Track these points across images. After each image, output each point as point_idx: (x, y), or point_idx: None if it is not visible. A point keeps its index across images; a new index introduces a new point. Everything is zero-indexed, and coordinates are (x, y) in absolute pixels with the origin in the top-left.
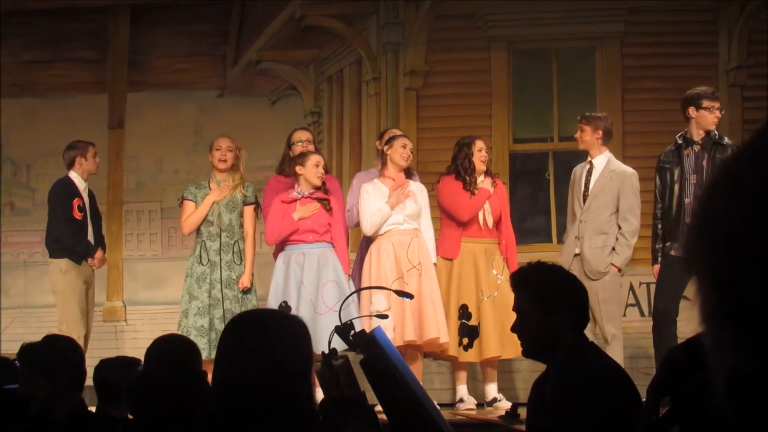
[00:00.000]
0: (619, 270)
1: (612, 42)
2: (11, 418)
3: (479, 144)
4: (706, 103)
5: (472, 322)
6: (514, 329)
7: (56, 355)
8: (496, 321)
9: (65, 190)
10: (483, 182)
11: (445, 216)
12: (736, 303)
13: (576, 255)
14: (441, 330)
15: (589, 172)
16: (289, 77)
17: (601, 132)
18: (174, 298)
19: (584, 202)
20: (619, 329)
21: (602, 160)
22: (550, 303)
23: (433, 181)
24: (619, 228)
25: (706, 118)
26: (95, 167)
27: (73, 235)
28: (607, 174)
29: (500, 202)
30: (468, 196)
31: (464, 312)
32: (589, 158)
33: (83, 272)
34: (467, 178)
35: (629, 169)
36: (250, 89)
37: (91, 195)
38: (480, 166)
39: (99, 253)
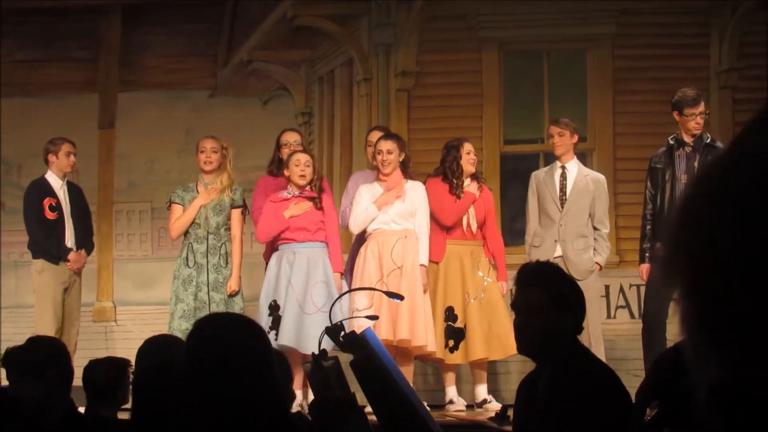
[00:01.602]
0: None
1: (603, 44)
2: (4, 420)
3: (468, 146)
4: (686, 111)
5: (458, 324)
6: (518, 324)
7: (40, 356)
8: (483, 323)
9: (36, 190)
10: (469, 186)
11: (430, 218)
12: (719, 313)
13: (556, 258)
14: (416, 333)
15: (563, 176)
16: (280, 77)
17: (576, 137)
18: (164, 299)
19: (562, 205)
20: (601, 330)
21: (574, 164)
22: (564, 304)
23: (423, 182)
24: (596, 230)
25: (687, 125)
26: (69, 166)
27: (45, 237)
28: (582, 179)
29: (485, 207)
30: (453, 200)
31: (450, 314)
32: (558, 163)
33: (60, 273)
34: (454, 181)
35: (601, 175)
36: (241, 89)
37: (76, 192)
38: (468, 168)
39: (73, 255)
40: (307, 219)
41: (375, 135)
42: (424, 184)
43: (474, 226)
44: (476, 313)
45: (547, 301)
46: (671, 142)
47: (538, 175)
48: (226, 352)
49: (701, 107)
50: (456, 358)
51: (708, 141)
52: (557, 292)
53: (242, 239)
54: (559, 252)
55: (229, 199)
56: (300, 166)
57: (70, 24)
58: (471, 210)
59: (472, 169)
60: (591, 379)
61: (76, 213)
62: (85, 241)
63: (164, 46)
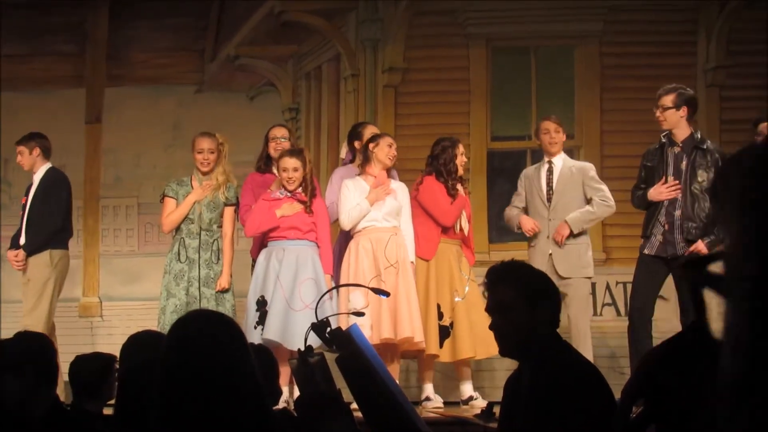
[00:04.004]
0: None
1: (591, 41)
2: None
3: (461, 147)
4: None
5: (444, 322)
6: (492, 326)
7: (18, 351)
8: (469, 321)
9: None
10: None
11: (423, 216)
12: None
13: (550, 254)
14: (415, 329)
15: (550, 171)
16: (267, 73)
17: (565, 135)
18: (150, 294)
19: (549, 201)
20: (589, 327)
21: (560, 159)
22: (534, 299)
23: (410, 179)
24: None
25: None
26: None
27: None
28: (567, 170)
29: (467, 209)
30: (450, 200)
31: (437, 311)
32: (546, 159)
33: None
34: (450, 182)
35: (587, 163)
36: (228, 85)
37: (42, 185)
38: (460, 170)
39: (6, 253)
40: (298, 219)
41: (372, 129)
42: (420, 183)
43: (466, 227)
44: (464, 312)
45: (516, 299)
46: (663, 139)
47: (527, 173)
48: (203, 351)
49: (661, 100)
50: (443, 356)
51: (697, 142)
52: (525, 288)
53: (233, 237)
54: (550, 251)
55: (223, 197)
56: (288, 172)
57: (58, 18)
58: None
59: (462, 171)
60: (572, 374)
61: (31, 209)
62: (28, 239)
63: (151, 40)
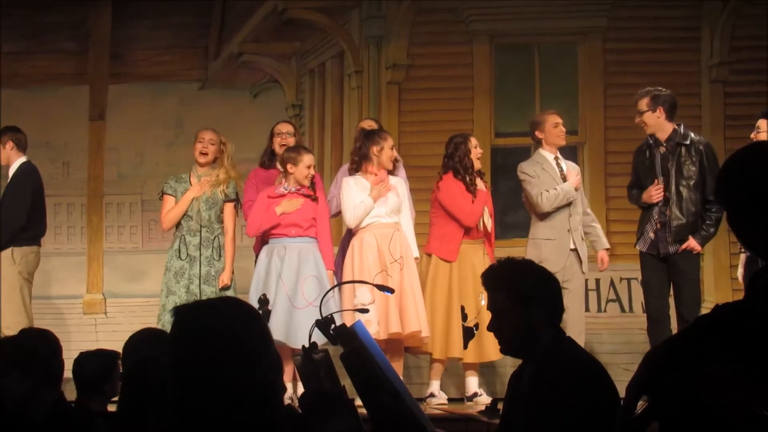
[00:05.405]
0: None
1: (594, 37)
2: None
3: (474, 140)
4: None
5: (468, 323)
6: (490, 328)
7: (25, 349)
8: None
9: None
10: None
11: (445, 217)
12: None
13: (571, 250)
14: (422, 324)
15: (560, 167)
16: (270, 70)
17: None
18: (154, 291)
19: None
20: (581, 320)
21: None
22: (525, 299)
23: (414, 175)
24: (587, 215)
25: None
26: None
27: None
28: (571, 167)
29: (489, 205)
30: (470, 198)
31: (461, 313)
32: (552, 154)
33: None
34: (467, 178)
35: (573, 162)
36: (231, 82)
37: (11, 181)
38: (476, 163)
39: None
40: (299, 215)
41: (369, 123)
42: (439, 180)
43: (489, 224)
44: (489, 314)
45: (508, 301)
46: (650, 140)
47: (533, 167)
48: (210, 337)
49: (636, 106)
50: (468, 357)
51: (680, 139)
52: (517, 291)
53: (235, 233)
54: (572, 245)
55: (222, 193)
56: (311, 169)
57: (60, 16)
58: (485, 209)
59: (479, 164)
60: (574, 371)
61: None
62: None
63: (154, 38)
